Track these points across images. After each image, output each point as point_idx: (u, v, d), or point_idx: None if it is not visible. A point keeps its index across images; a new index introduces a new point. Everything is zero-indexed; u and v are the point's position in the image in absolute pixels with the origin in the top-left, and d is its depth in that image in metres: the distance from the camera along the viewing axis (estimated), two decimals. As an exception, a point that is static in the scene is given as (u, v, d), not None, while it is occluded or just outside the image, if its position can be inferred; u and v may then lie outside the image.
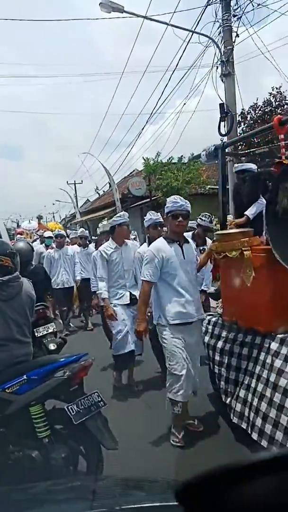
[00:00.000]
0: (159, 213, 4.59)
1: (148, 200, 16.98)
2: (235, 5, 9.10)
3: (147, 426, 3.60)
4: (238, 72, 9.68)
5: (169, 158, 16.13)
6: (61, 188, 33.23)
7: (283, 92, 13.92)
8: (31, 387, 2.50)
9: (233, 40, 9.21)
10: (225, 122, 9.26)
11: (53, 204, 43.08)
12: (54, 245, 7.98)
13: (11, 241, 8.24)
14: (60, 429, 2.62)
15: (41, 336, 4.18)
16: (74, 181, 33.95)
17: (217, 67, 9.28)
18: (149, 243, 4.24)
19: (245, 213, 4.57)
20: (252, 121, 13.95)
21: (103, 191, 27.04)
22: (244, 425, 2.97)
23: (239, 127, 11.05)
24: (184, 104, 20.63)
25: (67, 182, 33.89)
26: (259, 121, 13.44)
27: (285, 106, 13.82)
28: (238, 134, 9.06)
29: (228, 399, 3.22)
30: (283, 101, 14.06)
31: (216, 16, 9.19)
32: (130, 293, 4.46)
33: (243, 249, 2.96)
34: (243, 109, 13.57)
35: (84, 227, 19.53)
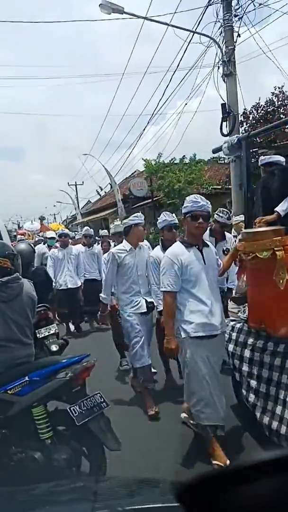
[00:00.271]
0: (174, 214, 4.32)
1: (149, 200, 17.00)
2: (236, 5, 9.11)
3: (150, 427, 3.60)
4: (240, 72, 9.68)
5: (171, 159, 16.12)
6: (61, 190, 33.28)
7: (286, 91, 13.90)
8: (33, 389, 2.49)
9: (235, 40, 9.19)
10: (227, 122, 9.29)
11: (54, 205, 43.08)
12: (57, 245, 7.75)
13: (12, 242, 8.21)
14: (63, 430, 2.62)
15: (43, 337, 4.17)
16: (75, 183, 34.03)
17: (218, 67, 9.29)
18: (163, 246, 4.08)
19: (276, 209, 4.13)
20: (254, 121, 13.92)
21: (105, 192, 27.08)
22: (276, 440, 2.77)
23: (241, 127, 11.03)
24: (186, 104, 20.62)
25: (68, 183, 33.98)
26: (261, 121, 13.42)
27: None
28: (240, 134, 9.03)
29: (258, 413, 2.94)
30: (285, 101, 14.03)
31: (217, 16, 9.19)
32: (145, 300, 4.12)
33: (275, 249, 2.70)
34: (245, 109, 13.55)
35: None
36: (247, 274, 3.18)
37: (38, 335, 4.08)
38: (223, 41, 9.18)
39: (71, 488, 1.60)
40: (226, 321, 3.20)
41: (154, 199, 16.48)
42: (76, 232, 13.92)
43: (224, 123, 9.22)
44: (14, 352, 2.68)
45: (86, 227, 8.49)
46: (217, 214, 4.98)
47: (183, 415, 3.51)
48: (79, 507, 1.32)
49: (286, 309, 2.77)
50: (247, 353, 3.13)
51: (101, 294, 4.34)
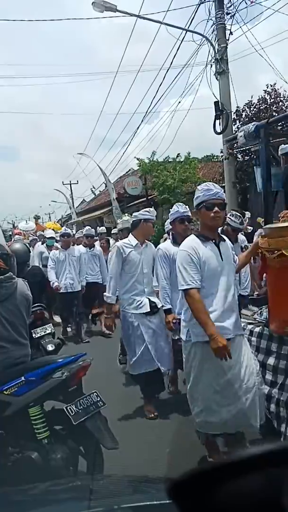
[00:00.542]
0: (187, 206, 3.91)
1: (144, 199, 16.99)
2: (228, 3, 9.12)
3: (147, 425, 3.61)
4: (233, 70, 9.71)
5: (165, 158, 16.13)
6: (56, 189, 33.10)
7: (278, 89, 13.94)
8: (29, 388, 2.49)
9: (227, 38, 9.22)
10: (221, 120, 9.31)
11: (49, 204, 42.93)
12: (59, 245, 7.42)
13: (8, 242, 8.16)
14: (60, 429, 2.62)
15: (38, 337, 4.17)
16: (70, 182, 33.83)
17: (211, 65, 9.32)
18: (174, 240, 3.86)
19: None
20: (247, 119, 13.94)
21: (99, 191, 27.02)
22: None
23: (234, 124, 11.02)
24: (179, 102, 20.59)
25: (62, 182, 33.82)
26: (254, 118, 13.42)
27: (280, 103, 13.82)
28: (234, 132, 9.06)
29: (283, 425, 2.70)
30: (277, 98, 14.06)
31: (209, 14, 9.22)
32: (149, 299, 3.85)
33: None
34: (238, 106, 13.55)
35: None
36: (269, 274, 2.90)
37: (34, 335, 4.08)
38: (215, 39, 9.20)
39: (68, 487, 1.61)
40: (242, 324, 2.97)
41: (149, 197, 16.48)
42: (72, 231, 13.84)
43: (217, 121, 9.25)
44: (10, 352, 2.67)
45: (87, 227, 8.01)
46: (229, 217, 4.78)
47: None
48: (76, 505, 1.33)
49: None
50: (272, 361, 2.84)
51: (105, 293, 3.97)
